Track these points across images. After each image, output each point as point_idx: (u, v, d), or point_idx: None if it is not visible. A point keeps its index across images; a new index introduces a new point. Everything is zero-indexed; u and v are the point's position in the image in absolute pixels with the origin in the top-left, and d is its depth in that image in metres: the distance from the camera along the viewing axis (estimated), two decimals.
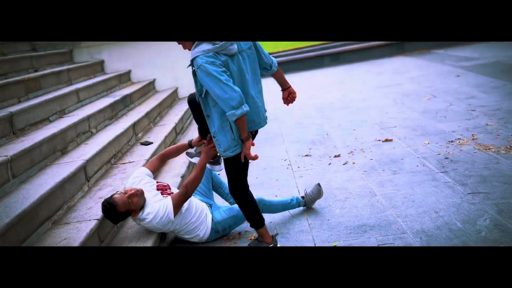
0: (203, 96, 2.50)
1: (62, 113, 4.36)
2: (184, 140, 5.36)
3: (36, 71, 5.04)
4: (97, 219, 2.76)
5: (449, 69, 8.89)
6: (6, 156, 2.88)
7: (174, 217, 2.82)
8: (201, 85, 2.46)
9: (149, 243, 2.79)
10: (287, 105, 3.02)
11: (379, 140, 4.98)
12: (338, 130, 5.70)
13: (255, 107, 2.62)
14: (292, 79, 10.44)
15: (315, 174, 4.26)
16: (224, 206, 3.31)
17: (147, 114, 5.25)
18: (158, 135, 4.84)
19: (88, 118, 4.25)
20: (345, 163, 4.43)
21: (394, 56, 12.15)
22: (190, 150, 3.18)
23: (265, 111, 2.77)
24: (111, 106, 4.92)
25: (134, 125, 4.70)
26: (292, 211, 3.50)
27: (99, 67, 6.49)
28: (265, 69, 2.83)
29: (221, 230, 3.16)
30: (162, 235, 3.05)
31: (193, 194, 3.04)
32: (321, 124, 6.14)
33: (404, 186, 3.67)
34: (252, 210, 2.90)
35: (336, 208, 3.47)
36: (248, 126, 2.57)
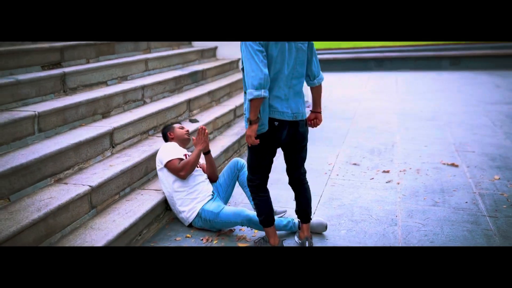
0: (243, 69, 2.57)
1: (123, 79, 4.63)
2: (236, 126, 5.35)
3: None
4: (89, 186, 2.89)
5: None
6: (34, 111, 3.16)
7: (165, 165, 3.18)
8: None
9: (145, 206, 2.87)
10: (310, 125, 2.90)
11: (444, 164, 4.38)
12: (408, 143, 5.14)
13: (283, 98, 2.58)
14: (390, 78, 9.71)
15: (348, 186, 3.92)
16: (222, 205, 3.20)
17: (210, 92, 5.32)
18: (211, 114, 4.89)
19: (143, 87, 4.44)
20: (389, 181, 3.99)
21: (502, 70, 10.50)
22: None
23: (297, 109, 2.64)
24: (176, 79, 5.08)
25: (189, 101, 4.80)
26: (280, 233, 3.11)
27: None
28: (308, 77, 2.74)
29: (203, 218, 3.13)
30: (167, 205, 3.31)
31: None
32: (394, 133, 5.60)
33: (434, 222, 3.18)
34: (264, 206, 2.78)
35: (344, 228, 3.15)
36: (270, 112, 2.55)
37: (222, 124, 5.02)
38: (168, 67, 5.51)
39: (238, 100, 5.76)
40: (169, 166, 3.15)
